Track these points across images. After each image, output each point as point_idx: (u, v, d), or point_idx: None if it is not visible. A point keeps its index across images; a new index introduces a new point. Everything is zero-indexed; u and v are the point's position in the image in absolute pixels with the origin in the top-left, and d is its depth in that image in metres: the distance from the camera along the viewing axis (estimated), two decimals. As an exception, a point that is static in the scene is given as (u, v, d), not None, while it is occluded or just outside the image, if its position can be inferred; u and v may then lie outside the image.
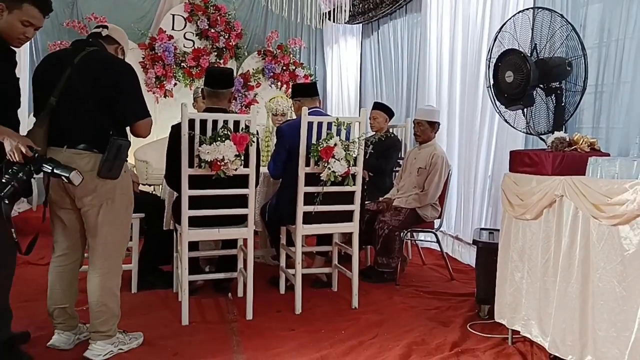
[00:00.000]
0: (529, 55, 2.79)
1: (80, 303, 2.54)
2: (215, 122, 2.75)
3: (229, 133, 2.74)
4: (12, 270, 2.21)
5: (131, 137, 2.39)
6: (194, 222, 2.82)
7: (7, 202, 1.99)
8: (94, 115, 2.25)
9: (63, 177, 2.09)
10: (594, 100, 2.89)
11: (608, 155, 2.48)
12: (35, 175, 2.10)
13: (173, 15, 6.46)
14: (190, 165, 2.73)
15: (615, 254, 1.91)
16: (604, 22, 2.88)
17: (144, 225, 3.38)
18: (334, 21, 6.24)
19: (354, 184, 3.09)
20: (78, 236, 2.43)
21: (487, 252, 2.91)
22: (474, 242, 3.14)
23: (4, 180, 1.99)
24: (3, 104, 2.10)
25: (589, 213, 2.05)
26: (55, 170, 2.09)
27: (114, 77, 2.28)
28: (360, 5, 5.96)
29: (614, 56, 2.81)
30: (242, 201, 2.90)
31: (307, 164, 3.00)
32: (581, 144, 2.49)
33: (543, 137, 2.80)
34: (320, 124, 3.00)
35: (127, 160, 2.35)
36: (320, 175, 2.99)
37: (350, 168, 3.02)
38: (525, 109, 2.92)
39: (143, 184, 4.54)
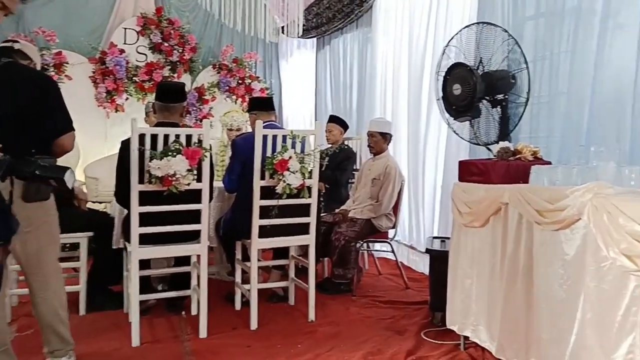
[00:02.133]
0: (475, 68, 2.89)
1: (24, 328, 2.43)
2: (166, 137, 2.71)
3: (180, 147, 2.70)
4: None
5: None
6: (145, 239, 2.75)
7: None
8: (13, 133, 2.04)
9: (51, 181, 1.79)
10: (534, 111, 3.01)
11: (550, 163, 2.59)
12: None
13: (125, 29, 6.35)
14: (141, 181, 2.67)
15: (557, 258, 1.98)
16: (540, 37, 3.03)
17: (93, 244, 3.27)
18: (287, 35, 6.29)
19: (310, 197, 3.10)
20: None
21: (439, 260, 2.96)
22: (427, 250, 3.20)
23: None
24: None
25: (532, 219, 2.12)
26: (38, 173, 1.75)
27: (39, 90, 2.14)
28: (314, 20, 6.03)
29: (549, 69, 2.95)
30: (195, 217, 2.84)
31: (262, 177, 2.99)
32: (525, 153, 2.59)
33: (490, 147, 2.89)
34: (275, 137, 3.00)
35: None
36: (276, 188, 2.98)
37: (305, 180, 3.02)
38: (472, 120, 3.02)
39: (93, 202, 4.41)
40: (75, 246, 3.31)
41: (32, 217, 2.14)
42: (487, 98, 2.93)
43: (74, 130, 2.26)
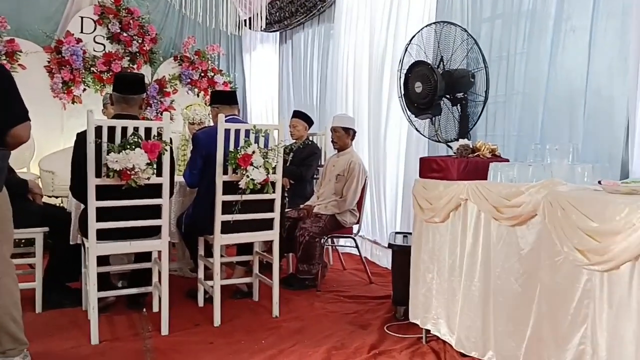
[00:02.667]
0: (436, 67, 2.94)
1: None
2: (124, 130, 2.64)
3: (139, 140, 2.64)
4: None
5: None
6: (103, 235, 2.68)
7: None
8: None
9: None
10: (492, 110, 3.10)
11: (507, 160, 2.67)
12: None
13: (82, 18, 6.14)
14: (98, 175, 2.59)
15: (513, 253, 2.06)
16: (497, 38, 3.11)
17: (49, 240, 3.17)
18: (250, 28, 6.23)
19: (274, 192, 3.09)
20: None
21: (402, 255, 3.01)
22: (390, 245, 3.25)
23: None
24: None
25: (490, 215, 2.19)
26: None
27: None
28: (277, 14, 6.00)
29: (505, 69, 3.04)
30: (155, 212, 2.79)
31: (225, 172, 2.96)
32: (483, 150, 2.65)
33: (450, 144, 2.95)
34: (237, 131, 2.97)
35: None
36: (239, 183, 2.96)
37: (269, 176, 3.01)
38: (433, 118, 3.07)
39: (49, 196, 4.25)
40: (30, 242, 3.20)
41: None
42: (448, 96, 2.98)
43: (29, 120, 2.18)
